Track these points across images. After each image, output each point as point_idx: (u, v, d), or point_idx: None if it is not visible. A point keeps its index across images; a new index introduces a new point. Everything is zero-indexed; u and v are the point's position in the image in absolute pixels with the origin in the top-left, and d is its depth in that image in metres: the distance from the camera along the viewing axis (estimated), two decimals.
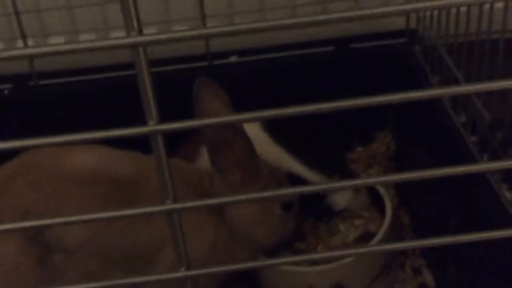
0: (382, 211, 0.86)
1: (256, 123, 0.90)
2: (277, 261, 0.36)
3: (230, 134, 0.72)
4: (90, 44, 0.31)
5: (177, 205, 0.32)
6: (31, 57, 0.97)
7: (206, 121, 0.33)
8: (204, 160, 0.87)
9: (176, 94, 0.79)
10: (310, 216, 0.87)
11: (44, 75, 1.00)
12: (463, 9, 0.78)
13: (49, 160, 0.71)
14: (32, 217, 0.67)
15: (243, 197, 0.33)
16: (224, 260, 0.77)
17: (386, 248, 0.45)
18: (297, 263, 0.82)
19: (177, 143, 0.91)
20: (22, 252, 0.66)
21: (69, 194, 0.68)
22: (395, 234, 0.88)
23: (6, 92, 0.99)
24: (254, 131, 0.84)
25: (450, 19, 0.82)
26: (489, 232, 0.44)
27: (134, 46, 0.31)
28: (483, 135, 0.74)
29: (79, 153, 0.72)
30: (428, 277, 0.86)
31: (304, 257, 0.38)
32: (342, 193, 0.87)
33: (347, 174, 0.90)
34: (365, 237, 0.84)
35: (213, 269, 0.34)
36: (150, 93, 0.32)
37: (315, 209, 0.87)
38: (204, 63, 1.00)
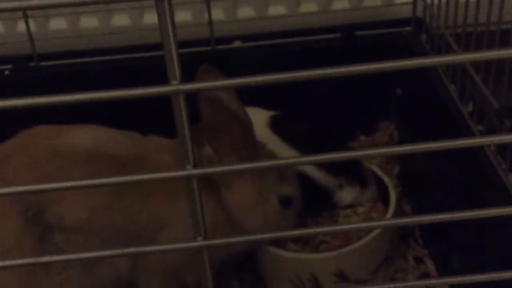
0: (384, 200, 0.85)
1: (264, 122, 0.88)
2: (298, 231, 0.35)
3: (228, 117, 0.71)
4: None
5: (197, 171, 0.31)
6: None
7: (230, 81, 0.32)
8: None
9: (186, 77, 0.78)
10: (316, 214, 0.86)
11: (45, 56, 0.98)
12: None
13: (47, 139, 0.71)
14: (31, 197, 0.66)
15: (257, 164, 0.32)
16: (221, 249, 0.76)
17: (399, 223, 0.44)
18: (299, 251, 0.82)
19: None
20: (22, 232, 0.65)
21: (67, 173, 0.67)
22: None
23: (6, 72, 0.98)
24: (262, 131, 0.84)
25: (459, 8, 0.81)
26: (492, 209, 0.43)
27: None
28: (490, 124, 0.73)
29: (78, 132, 0.72)
30: (430, 266, 0.86)
31: (319, 229, 0.37)
32: (349, 190, 0.86)
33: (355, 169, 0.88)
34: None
35: (231, 239, 0.33)
36: (174, 51, 0.31)
37: (321, 206, 0.86)
38: (208, 48, 0.99)
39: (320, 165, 0.85)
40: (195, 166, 0.31)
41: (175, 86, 0.31)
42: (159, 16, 0.30)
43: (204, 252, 0.34)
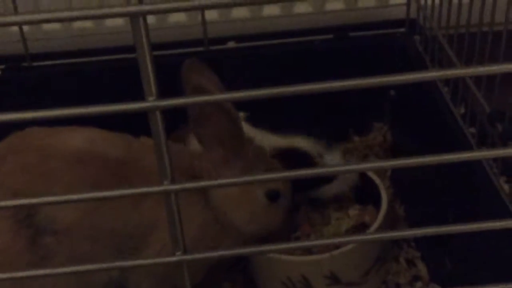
0: (377, 203, 0.85)
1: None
2: (275, 247, 0.35)
3: (214, 111, 0.70)
4: (90, 12, 0.30)
5: (175, 186, 0.31)
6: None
7: (204, 97, 0.31)
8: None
9: (173, 79, 0.78)
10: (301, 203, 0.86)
11: (38, 56, 0.98)
12: (465, 0, 0.77)
13: (39, 141, 0.71)
14: (21, 198, 0.66)
15: (244, 179, 0.32)
16: (211, 247, 0.76)
17: (384, 237, 0.44)
18: (290, 253, 0.81)
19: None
20: (13, 234, 0.65)
21: (59, 175, 0.67)
22: (389, 225, 0.87)
23: None
24: None
25: (452, 10, 0.81)
26: (487, 223, 0.43)
27: (133, 16, 0.29)
28: (482, 127, 0.73)
29: (70, 134, 0.71)
30: (422, 269, 0.85)
31: (300, 244, 0.37)
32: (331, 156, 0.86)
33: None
34: (360, 228, 0.83)
35: (211, 253, 0.32)
36: (149, 67, 0.31)
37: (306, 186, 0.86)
38: (202, 49, 0.98)
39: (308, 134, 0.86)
40: (173, 181, 0.31)
41: (151, 102, 0.31)
42: (134, 32, 0.30)
43: (184, 266, 0.34)
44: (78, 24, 1.04)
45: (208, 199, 0.74)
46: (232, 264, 0.85)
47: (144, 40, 0.30)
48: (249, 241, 0.78)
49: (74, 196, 0.33)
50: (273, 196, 0.77)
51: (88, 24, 1.03)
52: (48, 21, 0.31)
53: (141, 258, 0.72)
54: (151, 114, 0.31)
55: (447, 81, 0.83)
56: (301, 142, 0.87)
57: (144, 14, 0.29)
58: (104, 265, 0.33)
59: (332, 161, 0.86)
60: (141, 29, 0.29)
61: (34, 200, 0.34)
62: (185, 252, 0.33)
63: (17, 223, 0.66)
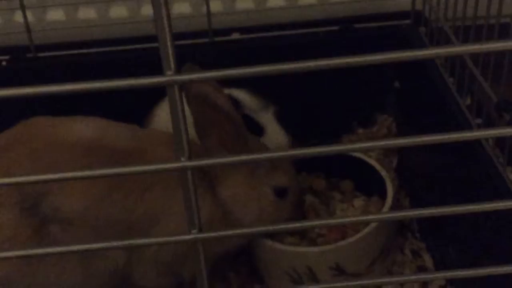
0: (382, 194, 0.85)
1: None
2: (294, 224, 0.35)
3: (217, 113, 0.71)
4: None
5: (192, 163, 0.31)
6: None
7: (228, 72, 0.31)
8: (160, 119, 0.86)
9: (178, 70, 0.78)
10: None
11: (42, 47, 0.98)
12: None
13: (47, 130, 0.71)
14: (28, 188, 0.66)
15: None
16: (217, 242, 0.76)
17: (396, 216, 0.44)
18: (296, 244, 0.81)
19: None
20: (19, 222, 0.65)
21: (67, 164, 0.67)
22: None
23: (3, 63, 0.98)
24: None
25: (458, 2, 0.80)
26: (489, 204, 0.43)
27: None
28: (489, 117, 0.73)
29: (78, 123, 0.72)
30: (427, 260, 0.85)
31: (312, 223, 0.37)
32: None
33: None
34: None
35: (225, 232, 0.32)
36: (168, 42, 0.30)
37: None
38: (206, 40, 0.98)
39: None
40: (190, 158, 0.31)
41: (170, 76, 0.30)
42: (154, 5, 0.30)
43: (199, 245, 0.34)
44: (82, 15, 1.04)
45: (216, 196, 0.74)
46: (237, 255, 0.85)
47: (164, 13, 0.29)
48: (256, 238, 0.79)
49: (90, 173, 0.33)
50: (280, 193, 0.77)
51: (92, 15, 1.03)
52: None
53: (145, 250, 0.72)
54: (169, 89, 0.31)
55: (452, 72, 0.83)
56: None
57: None
58: (116, 243, 0.33)
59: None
60: (161, 2, 0.29)
61: (42, 177, 0.34)
62: (200, 230, 0.33)
63: (23, 212, 0.66)
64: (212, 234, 0.33)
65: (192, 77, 0.31)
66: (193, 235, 0.33)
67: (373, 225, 0.79)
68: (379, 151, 1.01)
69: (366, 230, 0.79)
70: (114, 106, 0.81)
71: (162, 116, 0.88)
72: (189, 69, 0.71)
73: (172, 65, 0.31)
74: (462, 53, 0.67)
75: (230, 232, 0.33)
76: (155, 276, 0.74)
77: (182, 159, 0.31)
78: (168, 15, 0.30)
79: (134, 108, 0.82)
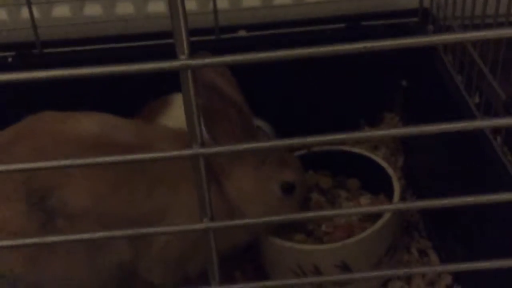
0: (388, 192, 0.85)
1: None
2: (304, 215, 0.34)
3: (226, 104, 0.70)
4: None
5: (204, 150, 0.30)
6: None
7: (238, 57, 0.31)
8: (175, 108, 0.86)
9: None
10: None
11: (48, 43, 0.98)
12: None
13: (53, 125, 0.70)
14: (35, 182, 0.66)
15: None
16: (223, 239, 0.76)
17: (410, 206, 0.43)
18: (302, 241, 0.81)
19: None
20: (26, 217, 0.65)
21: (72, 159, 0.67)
22: (401, 215, 0.87)
23: (10, 59, 0.97)
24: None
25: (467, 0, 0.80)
26: (496, 195, 0.43)
27: None
28: (497, 116, 0.72)
29: (83, 119, 0.71)
30: (434, 259, 0.85)
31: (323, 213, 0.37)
32: None
33: None
34: (372, 217, 0.83)
35: (236, 222, 0.32)
36: (182, 26, 0.30)
37: None
38: (212, 37, 0.98)
39: None
40: (202, 145, 0.31)
41: (183, 61, 0.30)
42: None
43: (210, 234, 0.33)
44: (88, 12, 1.03)
45: (222, 190, 0.74)
46: (243, 252, 0.85)
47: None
48: (263, 233, 0.78)
49: (104, 158, 0.33)
50: (288, 189, 0.76)
51: (98, 11, 1.03)
52: None
53: (152, 245, 0.72)
54: (182, 73, 0.31)
55: (460, 70, 0.82)
56: (263, 124, 0.90)
57: None
58: (127, 232, 0.32)
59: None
60: None
61: (48, 164, 0.34)
62: (212, 219, 0.33)
63: (30, 207, 0.66)
64: (224, 223, 0.33)
65: (206, 61, 0.30)
66: (205, 224, 0.33)
67: (379, 223, 0.79)
68: (385, 150, 1.01)
69: (373, 228, 0.79)
70: (119, 100, 0.81)
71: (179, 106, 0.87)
72: (199, 56, 0.71)
73: (186, 50, 0.31)
74: (464, 40, 0.66)
75: (241, 222, 0.32)
76: (162, 271, 0.74)
77: (195, 146, 0.30)
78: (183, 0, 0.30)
79: (139, 102, 0.83)
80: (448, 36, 0.33)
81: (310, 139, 0.33)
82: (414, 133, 0.37)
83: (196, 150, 0.31)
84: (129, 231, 0.33)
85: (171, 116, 0.86)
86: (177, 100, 0.88)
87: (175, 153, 0.31)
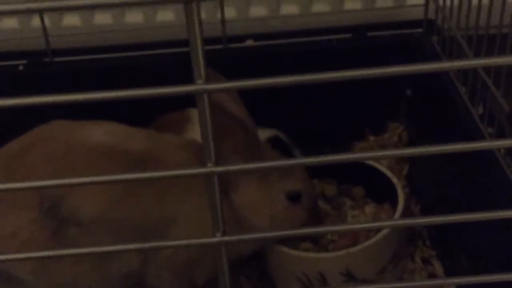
0: (393, 201, 0.85)
1: None
2: (311, 229, 0.36)
3: (231, 120, 0.71)
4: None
5: (219, 168, 0.32)
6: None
7: (252, 82, 0.32)
8: (195, 124, 0.87)
9: (192, 75, 0.79)
10: None
11: (59, 52, 0.99)
12: (485, 1, 0.77)
13: (64, 134, 0.72)
14: (46, 190, 0.67)
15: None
16: (232, 249, 0.77)
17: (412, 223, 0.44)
18: (307, 249, 0.82)
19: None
20: (37, 224, 0.66)
21: (84, 168, 0.68)
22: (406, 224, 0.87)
23: (21, 68, 0.99)
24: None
25: (471, 11, 0.81)
26: (499, 212, 0.44)
27: (187, 1, 0.30)
28: (501, 126, 0.73)
29: (95, 128, 0.72)
30: (438, 268, 0.86)
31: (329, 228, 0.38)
32: None
33: None
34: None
35: (249, 236, 0.33)
36: (200, 50, 0.32)
37: None
38: (220, 46, 0.99)
39: None
40: (216, 164, 0.32)
41: (200, 85, 0.31)
42: (187, 16, 0.31)
43: (222, 248, 0.34)
44: (98, 21, 1.05)
45: (229, 202, 0.75)
46: (248, 260, 0.86)
47: (196, 22, 0.31)
48: (270, 243, 0.79)
49: (111, 177, 0.34)
50: (294, 198, 0.77)
51: (109, 20, 1.04)
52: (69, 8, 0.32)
53: (160, 253, 0.73)
54: (198, 97, 0.32)
55: (465, 81, 0.83)
56: (279, 133, 0.92)
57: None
58: (136, 246, 0.34)
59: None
60: (194, 12, 0.30)
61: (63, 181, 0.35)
62: (224, 233, 0.34)
63: (41, 214, 0.67)
64: (236, 237, 0.34)
65: (222, 86, 0.32)
66: (218, 238, 0.34)
67: (384, 232, 0.80)
68: (390, 159, 1.01)
69: (377, 236, 0.79)
70: (129, 110, 0.82)
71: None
72: (210, 75, 0.72)
73: (203, 74, 0.32)
74: (475, 67, 0.68)
75: (253, 236, 0.34)
76: (169, 279, 0.75)
77: (209, 164, 0.32)
78: (200, 24, 0.31)
79: (149, 113, 0.84)
80: (456, 63, 0.34)
81: (309, 160, 0.35)
82: (419, 153, 0.38)
83: (211, 168, 0.32)
84: (140, 245, 0.34)
85: (194, 130, 0.88)
86: (195, 115, 0.89)
87: (190, 171, 0.33)
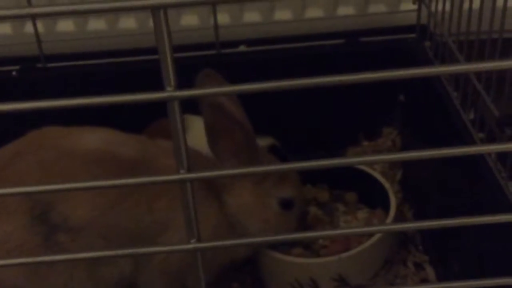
0: (385, 206, 0.86)
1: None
2: (298, 235, 0.36)
3: (229, 122, 0.71)
4: (115, 5, 0.31)
5: (191, 175, 0.32)
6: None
7: (223, 89, 0.32)
8: (194, 132, 0.87)
9: (185, 81, 0.79)
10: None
11: (52, 57, 0.99)
12: (476, 6, 0.77)
13: (55, 140, 0.72)
14: (37, 196, 0.67)
15: (251, 169, 0.33)
16: (223, 252, 0.77)
17: (404, 227, 0.44)
18: (299, 255, 0.82)
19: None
20: (28, 231, 0.66)
21: (75, 174, 0.68)
22: (398, 229, 0.87)
23: (14, 73, 0.99)
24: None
25: (462, 16, 0.81)
26: (490, 216, 0.44)
27: (154, 8, 0.30)
28: (491, 132, 0.73)
29: (86, 134, 0.73)
30: (430, 273, 0.86)
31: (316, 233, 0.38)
32: None
33: None
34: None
35: (224, 242, 0.33)
36: (169, 58, 0.31)
37: None
38: (213, 52, 0.99)
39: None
40: (189, 170, 0.32)
41: (170, 92, 0.31)
42: (154, 23, 0.31)
43: (198, 255, 0.34)
44: (92, 26, 1.05)
45: (223, 206, 0.75)
46: (241, 265, 0.86)
47: (164, 30, 0.31)
48: (260, 248, 0.79)
49: (99, 183, 0.34)
50: (286, 204, 0.77)
51: (102, 26, 1.04)
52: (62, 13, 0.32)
53: (152, 258, 0.73)
54: (169, 104, 0.32)
55: (456, 86, 0.84)
56: (274, 141, 0.93)
57: (165, 7, 0.30)
58: (125, 251, 0.34)
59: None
60: (161, 20, 0.30)
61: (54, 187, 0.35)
62: (199, 240, 0.34)
63: (32, 220, 0.67)
64: (211, 244, 0.34)
65: (191, 93, 0.32)
66: (192, 244, 0.34)
67: (376, 237, 0.80)
68: (384, 164, 1.01)
69: (369, 242, 0.79)
70: (121, 115, 0.82)
71: (197, 129, 0.87)
72: (206, 75, 0.72)
73: (172, 81, 0.32)
74: (465, 71, 0.68)
75: (228, 242, 0.34)
76: (162, 284, 0.75)
77: (182, 171, 0.32)
78: (169, 32, 0.31)
79: (140, 118, 0.84)
80: (445, 68, 0.35)
81: (306, 164, 0.34)
82: (410, 158, 0.38)
83: (183, 175, 0.32)
84: (121, 251, 0.34)
85: (194, 136, 0.88)
86: (192, 122, 0.89)
87: (163, 177, 0.33)
